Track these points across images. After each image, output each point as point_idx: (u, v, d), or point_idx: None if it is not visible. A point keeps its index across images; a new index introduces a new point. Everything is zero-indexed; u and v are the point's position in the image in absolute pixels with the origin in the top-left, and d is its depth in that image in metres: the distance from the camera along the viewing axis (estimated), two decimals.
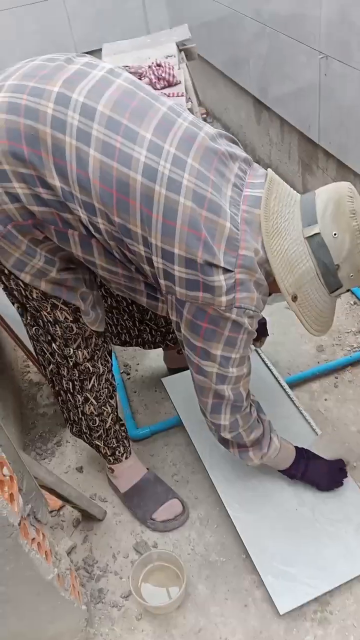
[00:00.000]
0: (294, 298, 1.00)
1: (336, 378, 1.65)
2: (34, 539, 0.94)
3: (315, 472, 1.30)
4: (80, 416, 1.27)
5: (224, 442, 1.20)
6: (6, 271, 1.04)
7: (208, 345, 1.02)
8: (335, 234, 0.96)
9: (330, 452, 1.32)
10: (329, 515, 1.28)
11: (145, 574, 1.25)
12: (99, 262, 1.03)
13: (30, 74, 0.93)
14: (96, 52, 2.53)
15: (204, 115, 3.15)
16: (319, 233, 0.96)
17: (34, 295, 1.07)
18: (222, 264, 0.92)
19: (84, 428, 1.30)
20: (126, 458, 1.38)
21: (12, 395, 1.67)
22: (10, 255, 0.99)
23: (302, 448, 1.31)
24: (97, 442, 1.32)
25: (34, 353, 1.25)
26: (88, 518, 1.39)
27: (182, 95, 1.86)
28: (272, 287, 1.02)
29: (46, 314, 1.10)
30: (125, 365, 1.80)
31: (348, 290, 1.05)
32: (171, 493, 1.38)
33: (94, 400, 1.24)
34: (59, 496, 1.22)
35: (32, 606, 1.02)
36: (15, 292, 1.09)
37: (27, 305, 1.11)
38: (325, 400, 1.59)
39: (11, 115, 0.90)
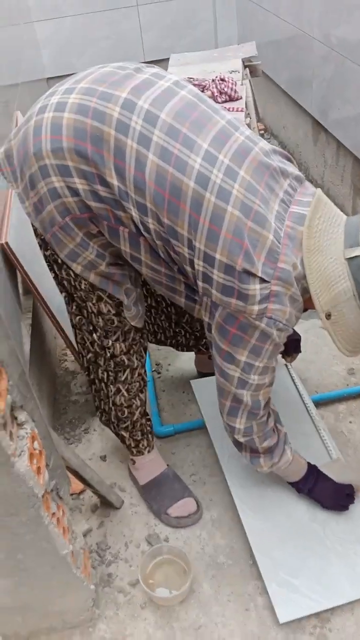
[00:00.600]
0: (328, 316, 1.02)
1: None
2: (54, 513, 1.00)
3: (322, 491, 1.32)
4: (111, 406, 1.33)
5: (238, 444, 1.24)
6: (59, 261, 1.11)
7: (234, 350, 1.05)
8: None
9: (342, 477, 1.34)
10: (340, 535, 1.29)
11: (154, 566, 1.29)
12: (144, 260, 1.09)
13: (101, 79, 1.00)
14: (164, 62, 2.62)
15: (262, 132, 3.20)
16: (359, 255, 0.99)
17: (82, 286, 1.13)
18: (259, 274, 0.96)
19: (112, 418, 1.36)
20: (148, 452, 1.43)
21: (48, 381, 1.75)
22: (65, 245, 1.06)
23: (315, 465, 1.33)
24: (123, 433, 1.38)
25: (74, 342, 1.32)
26: (106, 505, 1.45)
27: (241, 111, 1.91)
28: (307, 304, 1.05)
29: (91, 304, 1.17)
30: (157, 364, 1.85)
31: None
32: (187, 491, 1.42)
33: (125, 392, 1.30)
34: (82, 479, 1.28)
35: (44, 578, 1.07)
36: (65, 282, 1.16)
37: (75, 295, 1.18)
38: (350, 422, 1.60)
39: (80, 115, 0.97)
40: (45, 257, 1.15)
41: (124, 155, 0.96)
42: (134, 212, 0.99)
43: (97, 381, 1.31)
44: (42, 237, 1.10)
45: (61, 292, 1.21)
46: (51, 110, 0.99)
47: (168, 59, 2.46)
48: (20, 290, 1.75)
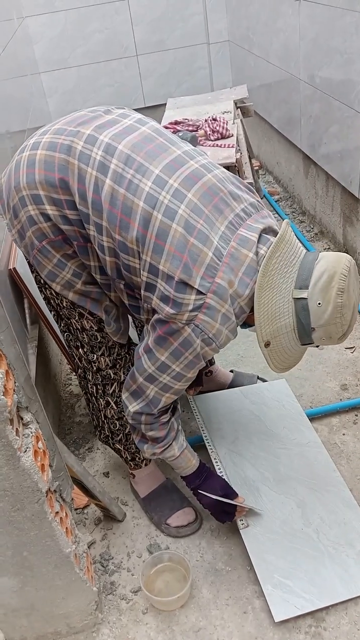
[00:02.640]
0: (267, 344, 1.12)
1: (356, 415, 1.72)
2: (57, 512, 1.07)
3: (204, 497, 1.35)
4: (103, 419, 1.41)
5: (132, 427, 1.30)
6: (42, 281, 1.22)
7: (156, 349, 1.13)
8: (319, 304, 1.07)
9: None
10: (333, 539, 1.34)
11: (155, 573, 1.34)
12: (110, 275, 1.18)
13: (72, 121, 1.15)
14: (161, 106, 2.80)
15: (257, 168, 3.35)
16: (306, 298, 1.08)
17: (64, 304, 1.24)
18: (196, 286, 1.05)
19: (106, 431, 1.43)
20: (146, 465, 1.50)
21: (53, 403, 1.83)
22: (45, 267, 1.18)
23: (210, 472, 1.38)
24: (118, 446, 1.45)
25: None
26: (108, 518, 1.51)
27: (232, 147, 2.05)
28: (250, 319, 1.14)
29: (75, 321, 1.27)
30: None
31: (318, 346, 1.17)
32: (186, 501, 1.48)
33: (114, 405, 1.38)
34: (84, 489, 1.35)
35: (48, 577, 1.13)
36: (51, 300, 1.27)
37: (61, 313, 1.29)
38: (343, 434, 1.67)
39: (49, 151, 1.12)
40: (35, 278, 1.27)
41: (84, 181, 1.09)
42: (92, 232, 1.11)
43: (88, 395, 1.40)
44: (29, 260, 1.22)
45: (50, 311, 1.32)
46: (28, 149, 1.15)
47: (166, 103, 2.63)
48: (28, 320, 1.86)
